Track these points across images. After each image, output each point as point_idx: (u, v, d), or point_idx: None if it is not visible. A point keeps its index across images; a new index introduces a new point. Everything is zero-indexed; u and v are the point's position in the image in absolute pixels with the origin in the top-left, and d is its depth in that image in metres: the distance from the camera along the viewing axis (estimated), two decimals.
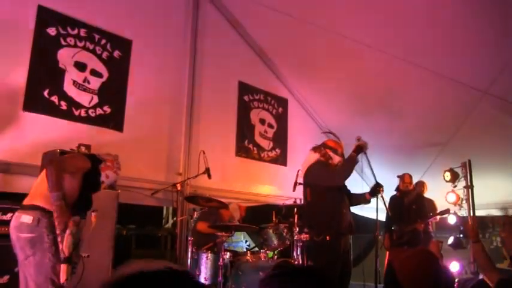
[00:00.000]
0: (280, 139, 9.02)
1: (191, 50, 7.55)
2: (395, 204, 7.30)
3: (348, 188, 5.39)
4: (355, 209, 8.11)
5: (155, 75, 7.10)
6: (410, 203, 7.28)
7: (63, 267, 3.46)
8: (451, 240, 7.52)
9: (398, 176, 7.44)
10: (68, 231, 3.46)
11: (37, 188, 3.85)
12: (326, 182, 5.05)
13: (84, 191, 3.96)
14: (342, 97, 8.81)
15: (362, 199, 5.38)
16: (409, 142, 8.62)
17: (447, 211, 7.26)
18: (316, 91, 9.15)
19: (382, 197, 5.10)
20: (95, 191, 4.21)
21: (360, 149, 5.05)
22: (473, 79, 6.62)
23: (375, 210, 5.17)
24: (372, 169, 5.06)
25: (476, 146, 7.61)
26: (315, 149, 5.32)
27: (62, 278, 3.45)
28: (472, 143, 7.68)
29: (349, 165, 5.08)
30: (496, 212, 8.56)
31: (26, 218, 3.61)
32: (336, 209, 5.01)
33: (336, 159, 5.23)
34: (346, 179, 5.12)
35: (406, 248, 6.72)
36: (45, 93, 5.75)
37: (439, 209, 7.48)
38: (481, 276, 4.68)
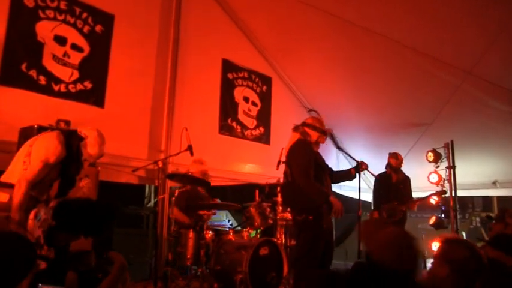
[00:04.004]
0: (264, 117, 8.96)
1: (175, 26, 7.40)
2: (383, 182, 7.31)
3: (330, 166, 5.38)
4: (336, 189, 8.16)
5: (137, 51, 6.96)
6: (398, 182, 7.30)
7: None
8: (432, 220, 7.59)
9: (390, 154, 7.42)
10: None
11: (14, 166, 3.77)
12: (306, 166, 4.90)
13: (65, 173, 3.86)
14: (326, 76, 8.75)
15: (347, 175, 5.33)
16: (392, 122, 8.62)
17: (443, 192, 7.30)
18: (300, 70, 9.08)
19: (370, 173, 5.12)
20: (78, 172, 4.12)
21: (359, 169, 5.12)
22: (456, 59, 6.62)
23: (356, 190, 5.19)
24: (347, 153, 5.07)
25: (459, 127, 7.66)
26: (295, 128, 5.19)
27: None
28: (455, 124, 7.72)
29: (342, 179, 5.37)
30: (476, 193, 8.66)
31: (2, 197, 3.56)
32: None
33: (314, 135, 5.12)
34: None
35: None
36: (23, 67, 5.59)
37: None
38: None
